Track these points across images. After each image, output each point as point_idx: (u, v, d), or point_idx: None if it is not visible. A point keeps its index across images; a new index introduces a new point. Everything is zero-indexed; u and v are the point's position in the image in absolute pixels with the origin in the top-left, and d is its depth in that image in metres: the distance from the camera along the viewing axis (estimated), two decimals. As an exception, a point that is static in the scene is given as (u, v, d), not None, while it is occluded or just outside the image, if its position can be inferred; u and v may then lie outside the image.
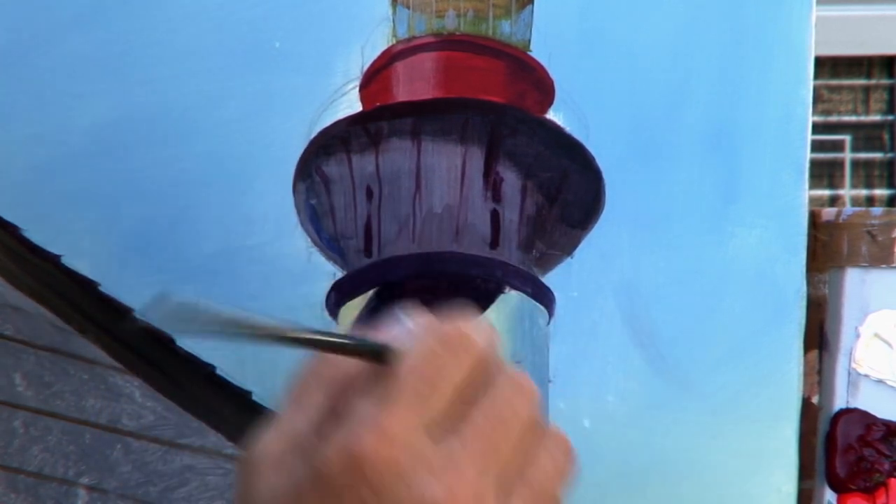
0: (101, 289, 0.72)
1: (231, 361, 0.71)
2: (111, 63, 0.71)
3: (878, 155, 1.86)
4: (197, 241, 0.71)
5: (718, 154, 0.70)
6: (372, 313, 0.71)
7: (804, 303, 0.70)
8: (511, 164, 0.70)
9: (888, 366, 0.71)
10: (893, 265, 0.71)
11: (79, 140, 0.71)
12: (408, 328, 0.52)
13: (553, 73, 0.70)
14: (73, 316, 0.72)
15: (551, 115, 0.70)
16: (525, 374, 0.52)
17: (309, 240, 0.71)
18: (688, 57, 0.70)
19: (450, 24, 0.70)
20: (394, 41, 0.70)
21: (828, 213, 0.72)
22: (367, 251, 0.71)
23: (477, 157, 0.70)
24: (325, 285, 0.71)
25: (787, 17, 0.69)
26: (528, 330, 0.70)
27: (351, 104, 0.70)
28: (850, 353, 0.72)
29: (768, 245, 0.70)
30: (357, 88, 0.70)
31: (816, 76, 0.70)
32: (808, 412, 0.72)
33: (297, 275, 0.71)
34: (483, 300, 0.70)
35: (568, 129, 0.70)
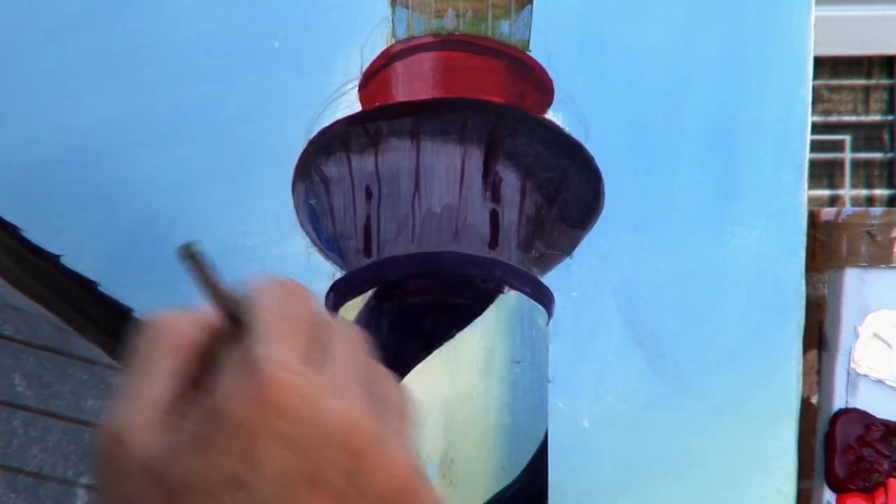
0: (101, 289, 0.72)
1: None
2: (111, 63, 0.71)
3: (878, 155, 1.86)
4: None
5: (718, 154, 0.70)
6: (372, 313, 0.71)
7: (803, 303, 0.70)
8: (510, 164, 0.70)
9: (887, 366, 0.71)
10: (893, 265, 0.71)
11: (79, 140, 0.71)
12: (242, 290, 0.54)
13: (552, 73, 0.70)
14: (73, 316, 0.73)
15: (551, 115, 0.70)
16: (300, 285, 0.54)
17: (308, 240, 0.71)
18: (687, 57, 0.70)
19: (449, 24, 0.70)
20: (393, 41, 0.70)
21: (827, 213, 0.72)
22: (367, 251, 0.71)
23: (476, 157, 0.70)
24: (325, 285, 0.71)
25: (786, 17, 0.69)
26: (528, 330, 0.70)
27: (350, 104, 0.70)
28: (850, 353, 0.72)
29: (768, 245, 0.70)
30: (356, 88, 0.70)
31: (816, 76, 0.70)
32: (808, 412, 0.72)
33: (296, 275, 0.71)
34: (482, 300, 0.70)
35: (567, 129, 0.70)
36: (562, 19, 0.70)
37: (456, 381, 0.71)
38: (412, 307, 0.71)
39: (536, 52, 0.70)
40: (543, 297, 0.70)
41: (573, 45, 0.70)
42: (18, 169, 0.71)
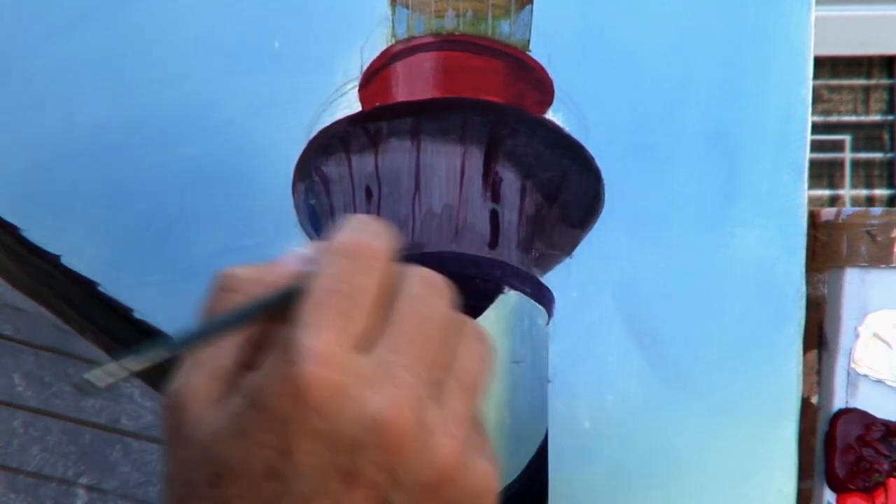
0: (101, 289, 0.72)
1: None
2: (111, 63, 0.71)
3: (878, 155, 1.86)
4: (197, 241, 0.71)
5: (718, 154, 0.70)
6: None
7: (803, 303, 0.70)
8: (510, 164, 0.70)
9: (887, 366, 0.71)
10: (893, 265, 0.71)
11: (79, 140, 0.71)
12: (306, 257, 0.53)
13: (552, 73, 0.70)
14: (73, 316, 0.73)
15: (550, 115, 0.70)
16: (431, 272, 0.53)
17: (308, 240, 0.71)
18: (687, 57, 0.70)
19: (449, 24, 0.70)
20: (393, 41, 0.70)
21: (827, 213, 0.72)
22: (367, 251, 0.71)
23: (476, 157, 0.70)
24: (325, 285, 0.71)
25: (786, 17, 0.69)
26: (528, 330, 0.70)
27: (350, 104, 0.70)
28: (850, 353, 0.72)
29: (767, 245, 0.70)
30: (356, 88, 0.70)
31: (816, 76, 0.70)
32: (808, 412, 0.72)
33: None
34: (482, 300, 0.70)
35: (567, 129, 0.70)
36: (562, 19, 0.70)
37: (456, 381, 0.71)
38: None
39: (536, 52, 0.70)
40: (543, 297, 0.70)
41: (573, 45, 0.70)
42: (18, 169, 0.71)
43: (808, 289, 0.70)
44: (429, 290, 0.53)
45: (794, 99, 0.69)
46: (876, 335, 0.71)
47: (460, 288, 0.66)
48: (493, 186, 0.70)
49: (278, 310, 0.51)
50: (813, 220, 0.71)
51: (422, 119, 0.70)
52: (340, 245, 0.52)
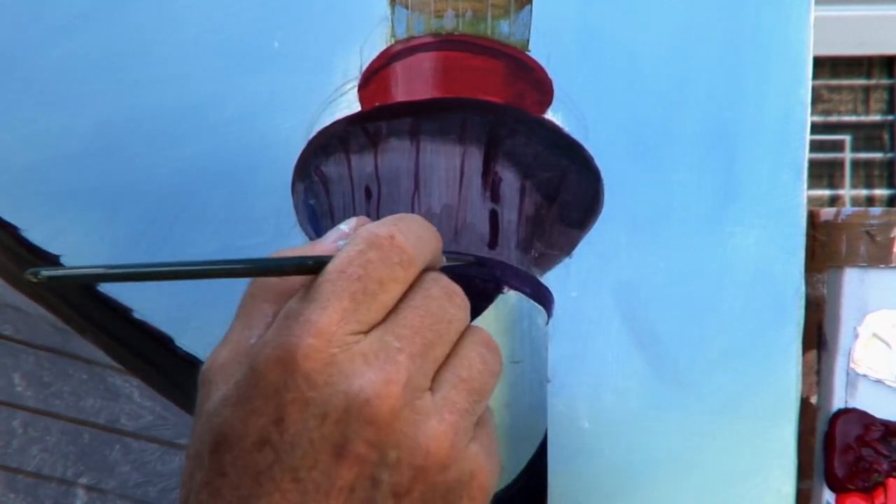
0: (101, 289, 0.72)
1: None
2: (111, 63, 0.71)
3: (878, 155, 1.86)
4: (196, 241, 0.71)
5: (717, 154, 0.70)
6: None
7: (802, 303, 0.70)
8: (510, 164, 0.70)
9: (887, 366, 0.71)
10: (892, 265, 0.71)
11: (79, 140, 0.71)
12: (343, 233, 0.54)
13: (552, 73, 0.70)
14: (73, 316, 0.73)
15: (550, 115, 0.70)
16: (455, 285, 0.53)
17: (308, 240, 0.71)
18: (686, 57, 0.70)
19: (448, 24, 0.70)
20: (392, 41, 0.70)
21: (826, 213, 0.72)
22: (366, 251, 0.71)
23: (475, 157, 0.70)
24: (324, 285, 0.71)
25: (786, 17, 0.69)
26: (527, 330, 0.70)
27: (350, 104, 0.70)
28: (849, 353, 0.72)
29: (767, 245, 0.70)
30: (356, 88, 0.70)
31: (816, 76, 0.70)
32: (807, 412, 0.72)
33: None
34: (482, 300, 0.70)
35: (567, 129, 0.70)
36: (561, 19, 0.70)
37: (455, 381, 0.71)
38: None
39: (536, 52, 0.70)
40: (543, 297, 0.70)
41: (572, 44, 0.70)
42: (19, 169, 0.71)
43: (807, 289, 0.70)
44: (445, 295, 0.54)
45: (794, 99, 0.69)
46: (875, 335, 0.71)
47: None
48: (492, 186, 0.70)
49: (300, 271, 0.52)
50: (812, 220, 0.71)
51: (421, 119, 0.70)
52: (372, 235, 0.53)
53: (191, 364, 0.71)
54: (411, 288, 0.53)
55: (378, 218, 0.62)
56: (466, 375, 0.53)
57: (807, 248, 0.70)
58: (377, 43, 0.70)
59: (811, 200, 0.70)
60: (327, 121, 0.70)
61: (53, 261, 0.71)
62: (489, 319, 0.70)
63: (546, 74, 0.70)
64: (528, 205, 0.70)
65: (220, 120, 0.71)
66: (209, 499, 0.49)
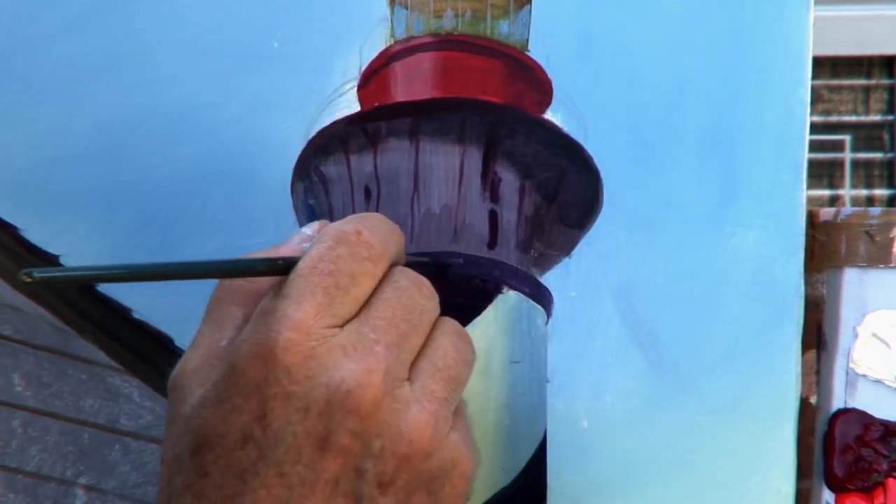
0: (101, 289, 0.72)
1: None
2: (111, 63, 0.71)
3: (878, 155, 1.86)
4: (196, 241, 0.71)
5: (716, 154, 0.70)
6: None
7: (802, 303, 0.70)
8: (509, 165, 0.70)
9: (886, 366, 0.71)
10: (891, 265, 0.71)
11: (78, 140, 0.71)
12: (307, 235, 0.54)
13: (551, 73, 0.70)
14: (73, 316, 0.73)
15: (549, 115, 0.70)
16: (422, 277, 0.54)
17: (307, 240, 0.71)
18: (686, 57, 0.70)
19: (448, 24, 0.70)
20: (392, 41, 0.70)
21: (826, 213, 0.72)
22: (366, 251, 0.71)
23: (475, 158, 0.70)
24: (324, 285, 0.71)
25: (785, 16, 0.69)
26: (527, 330, 0.70)
27: (349, 104, 0.70)
28: (848, 354, 0.72)
29: (766, 245, 0.70)
30: (355, 88, 0.70)
31: (816, 76, 0.70)
32: (806, 412, 0.72)
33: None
34: (481, 300, 0.70)
35: (566, 129, 0.70)
36: (561, 19, 0.70)
37: (455, 381, 0.71)
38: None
39: (535, 52, 0.70)
40: (542, 297, 0.70)
41: (572, 45, 0.70)
42: (18, 169, 0.71)
43: (806, 289, 0.70)
44: (415, 286, 0.54)
45: (793, 99, 0.69)
46: (875, 335, 0.71)
47: (459, 288, 0.66)
48: (491, 186, 0.70)
49: (269, 272, 0.52)
50: (811, 220, 0.71)
51: (420, 119, 0.70)
52: (339, 231, 0.53)
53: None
54: (381, 282, 0.54)
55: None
56: (442, 364, 0.54)
57: (806, 248, 0.70)
58: (376, 43, 0.70)
59: (811, 200, 0.70)
60: (327, 121, 0.71)
61: (53, 261, 0.71)
62: (489, 319, 0.70)
63: (545, 74, 0.70)
64: (528, 205, 0.70)
65: (220, 120, 0.71)
66: (192, 501, 0.49)
